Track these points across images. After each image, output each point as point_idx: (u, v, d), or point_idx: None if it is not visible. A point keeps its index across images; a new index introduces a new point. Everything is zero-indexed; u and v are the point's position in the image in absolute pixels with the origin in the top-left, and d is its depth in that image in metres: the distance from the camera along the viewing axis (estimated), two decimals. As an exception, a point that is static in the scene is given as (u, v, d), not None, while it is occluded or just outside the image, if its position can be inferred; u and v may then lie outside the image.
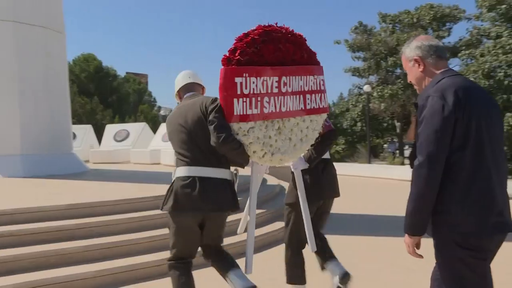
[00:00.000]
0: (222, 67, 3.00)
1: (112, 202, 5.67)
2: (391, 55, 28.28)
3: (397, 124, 30.37)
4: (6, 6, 9.15)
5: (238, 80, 2.97)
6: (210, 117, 3.00)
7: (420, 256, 2.31)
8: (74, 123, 15.92)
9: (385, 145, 35.23)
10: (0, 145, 8.95)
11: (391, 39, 28.57)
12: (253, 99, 3.04)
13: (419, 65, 2.45)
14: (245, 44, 3.02)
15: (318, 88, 3.53)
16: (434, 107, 2.20)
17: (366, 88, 25.56)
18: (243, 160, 3.09)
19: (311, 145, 3.56)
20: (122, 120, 36.32)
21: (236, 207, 3.20)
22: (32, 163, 8.94)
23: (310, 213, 3.68)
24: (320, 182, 3.86)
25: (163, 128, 15.58)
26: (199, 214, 3.12)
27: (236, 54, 3.00)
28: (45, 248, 4.60)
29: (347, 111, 32.25)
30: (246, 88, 3.00)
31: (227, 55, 3.01)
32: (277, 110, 3.18)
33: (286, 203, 3.96)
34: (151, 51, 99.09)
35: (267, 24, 3.17)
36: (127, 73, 55.16)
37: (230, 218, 3.56)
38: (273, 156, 3.15)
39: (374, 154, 32.69)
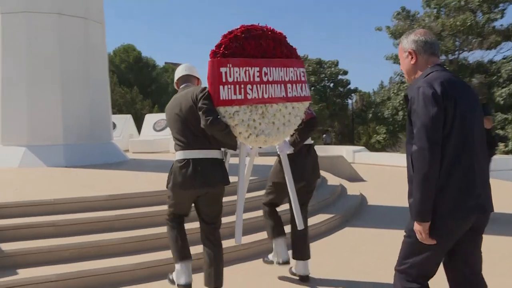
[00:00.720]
0: (210, 59, 3.56)
1: (152, 193, 5.66)
2: (436, 41, 27.33)
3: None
4: (50, -1, 9.28)
5: (223, 69, 3.52)
6: (199, 104, 3.49)
7: (433, 241, 2.40)
8: (114, 113, 16.16)
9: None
10: (43, 135, 9.14)
11: (436, 24, 27.49)
12: (237, 86, 3.57)
13: (412, 57, 2.65)
14: (228, 40, 3.60)
15: (299, 79, 4.03)
16: (426, 96, 2.39)
17: (408, 75, 24.81)
18: (231, 140, 3.57)
19: (295, 130, 4.02)
20: (161, 110, 36.68)
21: (225, 183, 3.68)
22: (73, 153, 9.11)
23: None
24: (305, 165, 4.30)
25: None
26: (193, 191, 3.60)
27: (221, 48, 3.55)
28: (85, 239, 4.62)
29: (388, 100, 31.50)
30: (230, 77, 3.55)
31: (214, 49, 3.57)
32: (260, 96, 3.70)
33: (272, 181, 4.42)
34: (190, 41, 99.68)
35: (249, 24, 3.76)
36: (165, 63, 55.57)
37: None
38: (258, 137, 3.64)
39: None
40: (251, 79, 3.67)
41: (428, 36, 2.67)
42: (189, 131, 3.59)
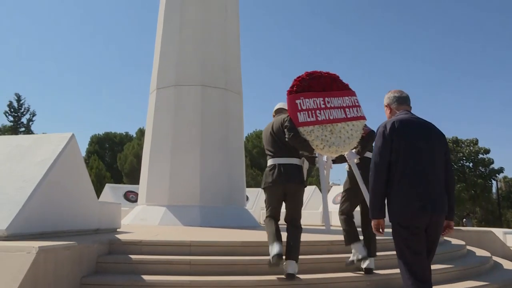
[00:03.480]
0: (287, 96, 5.03)
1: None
2: None
3: None
4: (195, 73, 10.13)
5: (297, 101, 4.94)
6: (285, 124, 4.86)
7: (381, 234, 3.36)
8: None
9: None
10: (182, 196, 9.54)
11: None
12: (309, 112, 4.92)
13: (387, 109, 3.76)
14: (298, 82, 5.07)
15: (354, 104, 5.25)
16: (379, 132, 3.41)
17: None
18: (308, 150, 4.87)
19: (358, 143, 5.12)
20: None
21: (302, 182, 4.84)
22: (209, 214, 9.32)
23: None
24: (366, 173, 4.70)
25: (334, 190, 15.39)
26: (280, 186, 4.74)
27: (294, 88, 5.04)
28: (218, 278, 4.58)
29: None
30: (303, 106, 4.93)
31: (289, 89, 5.05)
32: (327, 118, 4.97)
33: (344, 189, 5.44)
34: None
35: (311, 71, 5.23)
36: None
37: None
38: (330, 148, 4.84)
39: None
40: (318, 106, 5.00)
41: (398, 92, 3.75)
42: (277, 144, 4.92)
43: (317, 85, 5.08)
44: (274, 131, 4.94)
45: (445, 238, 8.28)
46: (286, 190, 4.76)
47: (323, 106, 4.98)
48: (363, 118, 5.19)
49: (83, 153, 38.68)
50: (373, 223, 3.35)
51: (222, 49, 10.54)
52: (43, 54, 73.69)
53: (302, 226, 4.90)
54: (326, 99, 5.05)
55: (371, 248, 5.08)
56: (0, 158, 5.65)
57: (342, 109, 5.08)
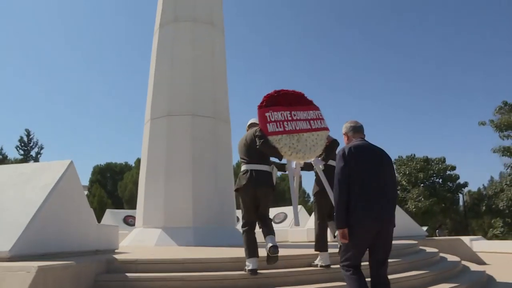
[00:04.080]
0: (257, 110, 5.33)
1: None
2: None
3: None
4: (186, 103, 10.14)
5: (267, 114, 5.26)
6: (256, 134, 5.17)
7: (345, 240, 3.70)
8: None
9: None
10: (177, 219, 9.41)
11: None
12: (277, 123, 5.23)
13: (345, 137, 4.22)
14: (267, 98, 5.40)
15: (317, 117, 5.57)
16: (339, 155, 3.86)
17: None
18: (277, 156, 5.18)
19: (323, 150, 5.43)
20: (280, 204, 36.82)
21: (272, 185, 5.13)
22: (202, 235, 9.18)
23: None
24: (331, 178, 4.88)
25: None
26: (252, 188, 5.00)
27: (264, 103, 5.35)
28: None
29: (502, 192, 28.48)
30: (272, 118, 5.24)
31: (259, 104, 5.35)
32: (293, 128, 5.28)
33: (313, 194, 5.63)
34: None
35: (278, 89, 5.57)
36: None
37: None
38: (297, 154, 5.15)
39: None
40: (286, 118, 5.32)
41: (353, 123, 4.18)
42: (249, 152, 5.19)
43: (284, 100, 5.42)
44: (248, 141, 5.26)
45: (420, 247, 8.31)
46: (257, 193, 5.02)
47: (289, 118, 5.32)
48: (326, 129, 5.54)
49: (86, 183, 38.27)
50: (338, 232, 3.72)
51: (211, 82, 10.57)
52: (50, 92, 73.54)
53: (289, 242, 5.01)
54: (293, 112, 5.39)
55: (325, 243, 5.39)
56: (6, 184, 5.63)
57: (307, 121, 5.42)
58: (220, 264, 5.23)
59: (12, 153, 43.12)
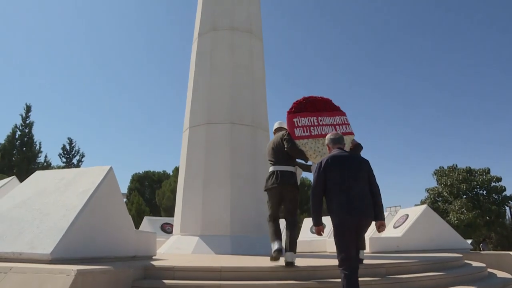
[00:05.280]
0: (286, 115, 5.87)
1: (306, 268, 5.32)
2: None
3: None
4: (225, 112, 10.15)
5: (294, 120, 5.76)
6: (285, 138, 5.69)
7: (320, 235, 4.57)
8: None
9: None
10: (214, 227, 9.36)
11: None
12: (304, 128, 5.71)
13: (327, 147, 4.84)
14: (296, 104, 5.88)
15: (343, 122, 5.97)
16: (317, 165, 4.51)
17: None
18: (304, 158, 5.71)
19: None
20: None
21: (296, 185, 5.61)
22: (239, 243, 9.09)
23: None
24: None
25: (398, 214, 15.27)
26: (278, 187, 5.51)
27: (292, 109, 5.85)
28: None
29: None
30: (300, 123, 5.74)
31: (288, 110, 5.86)
32: (319, 133, 5.72)
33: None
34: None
35: (307, 96, 6.11)
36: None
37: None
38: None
39: None
40: (312, 123, 5.76)
41: (333, 135, 4.81)
42: (276, 154, 5.71)
43: (311, 107, 5.88)
44: (275, 144, 5.78)
45: (466, 261, 7.90)
46: (283, 191, 5.52)
47: (316, 123, 5.78)
48: (351, 133, 5.96)
49: (125, 190, 39.00)
50: (315, 228, 4.51)
51: (250, 90, 10.55)
52: (91, 102, 75.98)
53: (327, 253, 4.98)
54: (319, 118, 5.82)
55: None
56: (47, 190, 5.71)
57: (333, 126, 5.84)
58: (257, 273, 5.10)
59: (55, 160, 44.71)
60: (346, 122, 5.96)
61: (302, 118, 5.72)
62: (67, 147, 38.33)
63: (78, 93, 74.58)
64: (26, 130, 34.04)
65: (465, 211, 28.85)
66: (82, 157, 38.72)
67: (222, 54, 10.64)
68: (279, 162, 5.59)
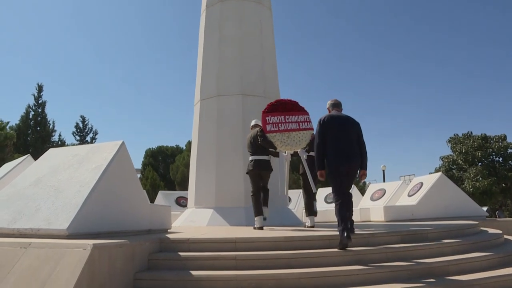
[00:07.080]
0: (262, 114, 7.30)
1: (322, 237, 5.35)
2: None
3: None
4: (235, 83, 10.08)
5: (267, 118, 7.17)
6: (258, 134, 7.29)
7: (322, 178, 5.52)
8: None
9: None
10: (229, 199, 9.40)
11: None
12: (274, 124, 7.12)
13: (328, 110, 5.79)
14: (269, 106, 7.36)
15: (305, 120, 7.31)
16: (318, 122, 5.50)
17: None
18: (273, 147, 7.22)
19: (307, 145, 7.31)
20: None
21: (270, 169, 7.57)
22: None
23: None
24: (312, 166, 6.76)
25: (370, 188, 15.13)
26: (257, 171, 7.41)
27: (266, 109, 7.30)
28: (263, 272, 4.39)
29: None
30: (270, 120, 7.14)
31: (263, 110, 7.32)
32: (286, 128, 7.13)
33: (300, 174, 7.92)
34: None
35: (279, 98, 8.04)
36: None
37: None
38: (286, 146, 7.06)
39: None
40: (281, 121, 7.15)
41: (333, 100, 5.79)
42: (253, 147, 7.48)
43: (281, 107, 7.30)
44: (252, 138, 7.51)
45: (482, 228, 7.86)
46: (261, 174, 7.47)
47: (283, 121, 7.17)
48: (311, 129, 7.26)
49: (139, 166, 39.33)
50: (318, 173, 5.46)
51: (259, 60, 10.41)
52: (102, 77, 76.10)
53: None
54: (286, 116, 7.22)
55: (312, 209, 7.69)
56: (61, 167, 5.73)
57: (297, 123, 7.23)
58: (273, 243, 5.12)
59: (70, 139, 45.18)
60: (308, 120, 7.34)
61: (273, 117, 7.15)
62: (80, 125, 38.71)
63: (89, 70, 74.68)
64: (39, 110, 34.38)
65: (480, 178, 28.56)
66: (95, 135, 39.14)
67: (231, 25, 10.46)
68: (257, 153, 7.44)
